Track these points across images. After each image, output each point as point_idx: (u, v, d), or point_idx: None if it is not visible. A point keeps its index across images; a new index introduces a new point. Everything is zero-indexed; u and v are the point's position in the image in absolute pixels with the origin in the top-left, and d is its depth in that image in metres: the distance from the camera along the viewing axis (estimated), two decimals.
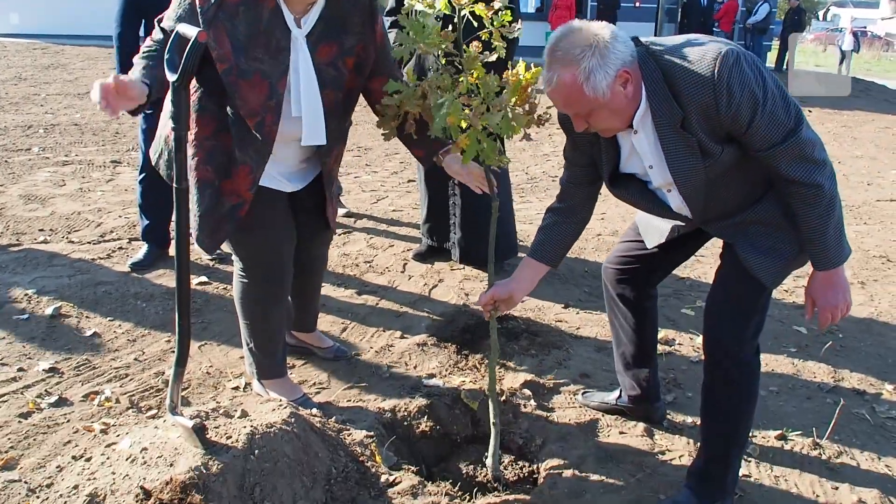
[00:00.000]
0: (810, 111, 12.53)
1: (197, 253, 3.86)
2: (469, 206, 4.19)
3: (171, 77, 2.05)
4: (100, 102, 1.97)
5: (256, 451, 2.16)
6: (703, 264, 4.52)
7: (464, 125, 2.23)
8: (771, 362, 3.36)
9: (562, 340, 3.47)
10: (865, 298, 4.26)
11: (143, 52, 2.26)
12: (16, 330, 3.29)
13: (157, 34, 2.32)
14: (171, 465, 2.11)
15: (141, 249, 4.15)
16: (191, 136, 2.39)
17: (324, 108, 2.46)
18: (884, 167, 8.37)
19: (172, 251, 4.09)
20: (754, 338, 2.26)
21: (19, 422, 2.60)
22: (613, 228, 5.35)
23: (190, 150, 2.39)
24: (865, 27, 51.94)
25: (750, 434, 2.48)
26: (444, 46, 2.25)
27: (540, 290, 4.02)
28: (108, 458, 2.25)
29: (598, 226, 5.40)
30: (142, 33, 3.89)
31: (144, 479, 2.08)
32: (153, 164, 2.61)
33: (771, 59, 20.48)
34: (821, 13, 66.11)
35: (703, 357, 2.35)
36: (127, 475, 2.13)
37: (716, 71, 1.89)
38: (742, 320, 2.22)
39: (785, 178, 1.99)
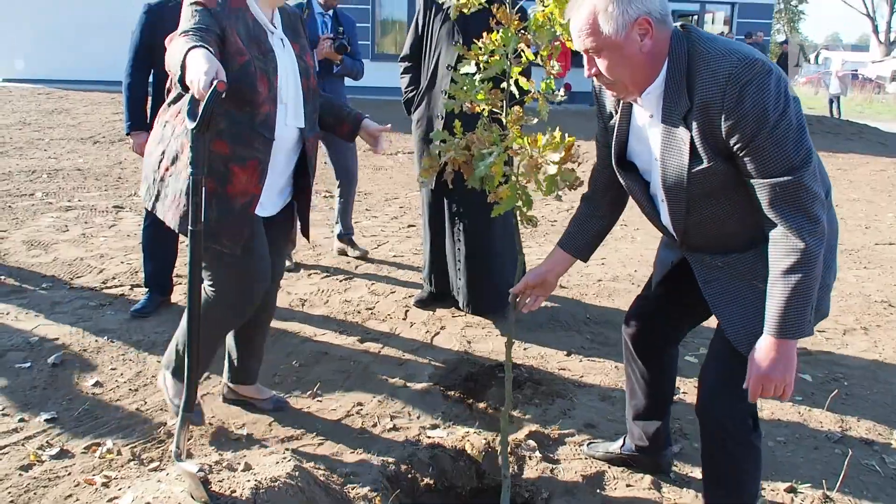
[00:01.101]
0: None
1: None
2: (473, 253, 4.20)
3: (190, 124, 2.13)
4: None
5: None
6: None
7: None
8: (777, 411, 3.34)
9: (566, 389, 3.45)
10: (869, 345, 4.25)
11: (181, 41, 2.30)
12: (17, 379, 3.27)
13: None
14: None
15: (143, 296, 4.15)
16: (185, 157, 2.45)
17: (304, 94, 2.74)
18: (881, 210, 8.41)
19: (175, 298, 4.14)
20: (751, 410, 2.19)
21: (20, 475, 2.57)
22: (614, 274, 5.36)
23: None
24: (856, 70, 52.71)
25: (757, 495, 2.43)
26: (491, 105, 2.42)
27: (542, 337, 4.04)
28: None
29: (599, 271, 5.40)
30: (151, 80, 3.93)
31: None
32: (150, 208, 2.64)
33: None
34: (812, 56, 67.14)
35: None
36: None
37: (736, 71, 1.81)
38: (738, 397, 2.09)
39: (772, 218, 1.89)
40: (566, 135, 2.37)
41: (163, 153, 2.56)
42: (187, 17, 2.43)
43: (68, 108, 12.84)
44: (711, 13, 20.52)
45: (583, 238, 2.44)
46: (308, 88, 2.76)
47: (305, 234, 2.97)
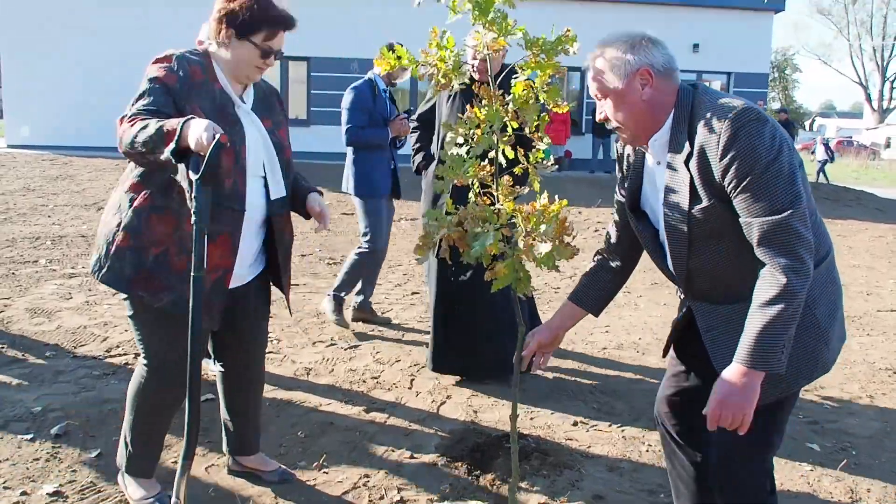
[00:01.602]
0: None
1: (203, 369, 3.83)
2: (472, 320, 4.24)
3: (194, 176, 2.23)
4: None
5: None
6: None
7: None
8: (786, 482, 3.31)
9: (573, 460, 3.42)
10: (875, 413, 4.23)
11: (142, 122, 2.37)
12: (20, 451, 3.24)
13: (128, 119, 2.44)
14: None
15: None
16: (159, 236, 2.53)
17: (282, 166, 2.79)
18: (881, 276, 8.45)
19: None
20: (768, 472, 2.18)
21: None
22: (619, 342, 5.36)
23: (160, 248, 2.53)
24: (851, 137, 53.62)
25: None
26: (479, 179, 2.45)
27: (548, 406, 4.03)
28: None
29: (603, 339, 5.40)
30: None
31: None
32: (98, 279, 2.61)
33: None
34: (807, 123, 68.30)
35: None
36: None
37: (732, 116, 1.93)
38: (752, 459, 2.12)
39: (760, 257, 1.94)
40: (556, 197, 2.38)
41: (118, 225, 2.55)
42: (141, 93, 2.49)
43: (72, 174, 12.99)
44: (708, 82, 21.02)
45: (595, 292, 2.46)
46: (284, 162, 2.81)
47: (286, 296, 2.98)
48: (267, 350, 4.64)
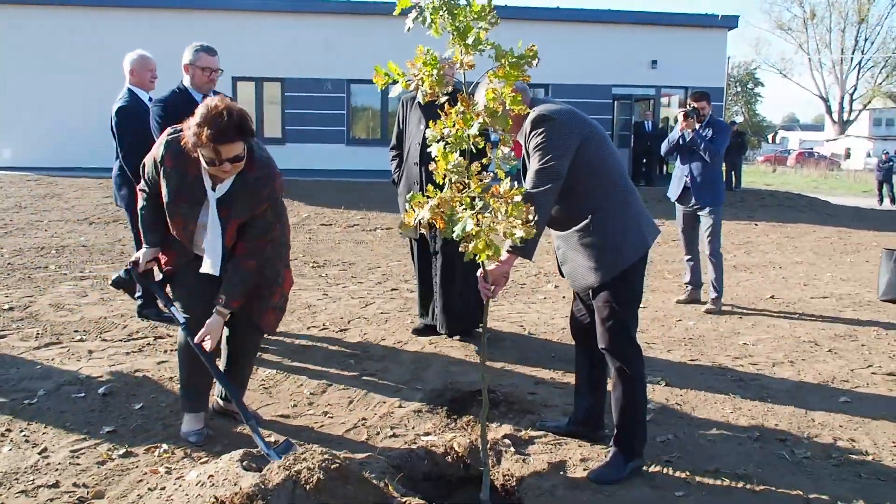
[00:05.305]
0: (756, 224, 13.62)
1: None
2: (446, 283, 5.15)
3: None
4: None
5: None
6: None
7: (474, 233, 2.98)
8: (711, 418, 4.04)
9: (534, 408, 4.12)
10: (793, 373, 4.97)
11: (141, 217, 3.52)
12: (76, 405, 3.89)
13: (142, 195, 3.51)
14: (236, 484, 2.72)
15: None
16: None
17: (223, 247, 3.39)
18: (820, 270, 9.27)
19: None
20: (625, 330, 3.33)
21: (98, 467, 3.20)
22: None
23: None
24: (812, 148, 55.16)
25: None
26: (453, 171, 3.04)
27: (515, 371, 4.73)
28: (179, 486, 2.85)
29: (563, 322, 6.11)
30: None
31: (215, 496, 2.67)
32: None
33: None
34: (770, 136, 70.01)
35: None
36: (199, 494, 2.73)
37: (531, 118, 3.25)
38: (613, 332, 3.33)
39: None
40: (515, 183, 3.02)
41: None
42: (149, 164, 3.39)
43: (59, 192, 13.50)
44: (668, 96, 21.98)
45: None
46: (223, 245, 3.37)
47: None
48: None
